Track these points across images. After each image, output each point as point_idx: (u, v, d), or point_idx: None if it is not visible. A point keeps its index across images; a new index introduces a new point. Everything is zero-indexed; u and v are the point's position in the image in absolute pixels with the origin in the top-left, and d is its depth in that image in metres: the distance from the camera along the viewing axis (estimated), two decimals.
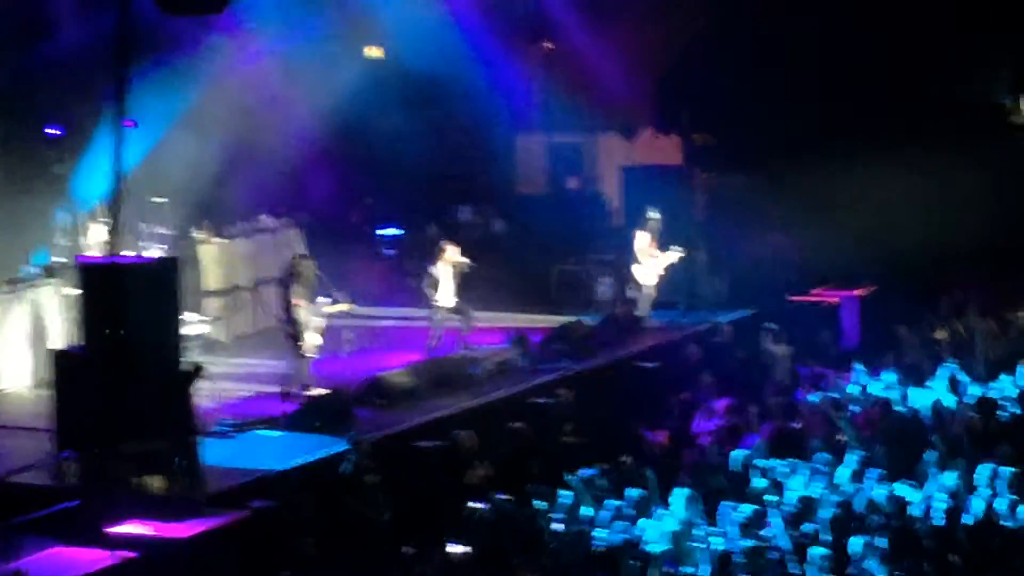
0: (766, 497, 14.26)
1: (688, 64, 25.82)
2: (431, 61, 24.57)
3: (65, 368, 15.35)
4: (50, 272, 19.71)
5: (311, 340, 18.31)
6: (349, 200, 27.25)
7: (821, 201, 25.20)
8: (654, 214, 22.98)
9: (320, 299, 18.49)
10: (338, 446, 16.01)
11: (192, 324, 19.92)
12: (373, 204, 27.68)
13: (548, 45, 27.80)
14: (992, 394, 18.30)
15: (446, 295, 20.28)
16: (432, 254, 20.63)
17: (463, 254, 20.58)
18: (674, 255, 22.88)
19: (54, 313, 19.42)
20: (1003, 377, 19.17)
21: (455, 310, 20.44)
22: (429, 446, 16.82)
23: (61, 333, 19.17)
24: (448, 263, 20.37)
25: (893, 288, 23.78)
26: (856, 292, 24.40)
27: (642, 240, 22.89)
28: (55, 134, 21.70)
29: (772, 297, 23.98)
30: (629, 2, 26.49)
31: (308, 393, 17.83)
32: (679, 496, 14.01)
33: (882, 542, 13.00)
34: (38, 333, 19.18)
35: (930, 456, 15.35)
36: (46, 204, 20.74)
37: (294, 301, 18.22)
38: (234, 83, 22.42)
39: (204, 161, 22.59)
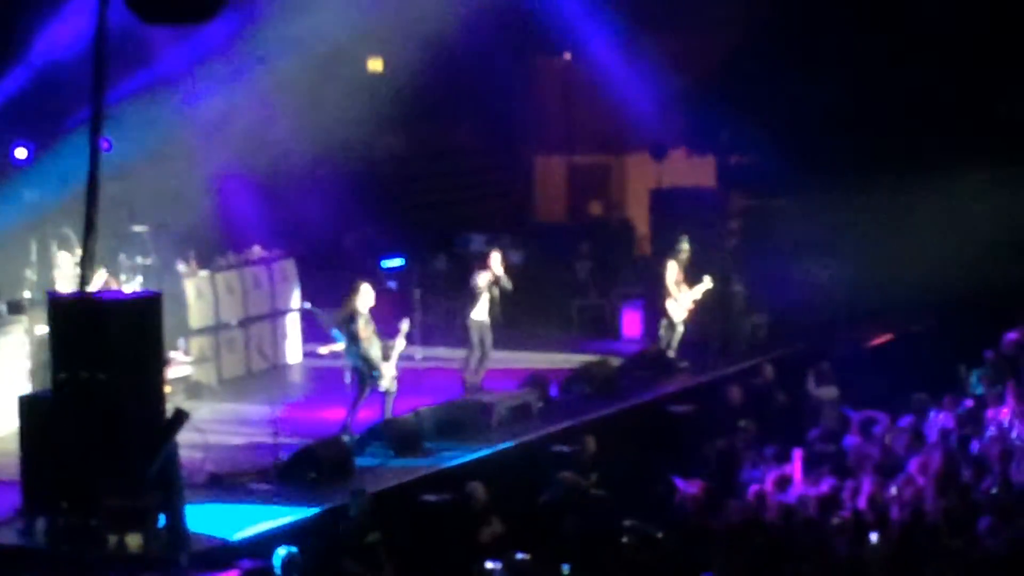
0: None
1: (725, 77, 25.81)
2: (436, 73, 24.62)
3: (34, 415, 15.37)
4: (18, 309, 19.75)
5: (388, 372, 18.51)
6: (345, 228, 27.31)
7: (872, 227, 25.19)
8: (684, 244, 23.02)
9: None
10: (335, 500, 16.01)
11: (176, 365, 20.00)
12: (373, 232, 27.73)
13: (567, 56, 27.84)
14: None
15: (481, 310, 20.44)
16: (478, 267, 20.92)
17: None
18: (704, 286, 22.92)
19: (22, 355, 19.48)
20: None
21: (480, 338, 20.58)
22: (437, 500, 16.82)
23: (30, 377, 19.24)
24: (490, 276, 20.55)
25: (953, 323, 23.71)
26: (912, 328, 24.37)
27: (672, 271, 22.93)
28: (23, 158, 21.80)
29: (818, 335, 23.93)
30: (659, 9, 26.52)
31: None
32: None
33: None
34: (5, 377, 19.23)
35: None
36: (14, 234, 20.82)
37: (362, 334, 18.39)
38: (220, 100, 22.55)
39: (188, 187, 22.75)
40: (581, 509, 16.54)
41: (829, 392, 21.10)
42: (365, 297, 18.64)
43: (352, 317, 18.49)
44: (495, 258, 20.90)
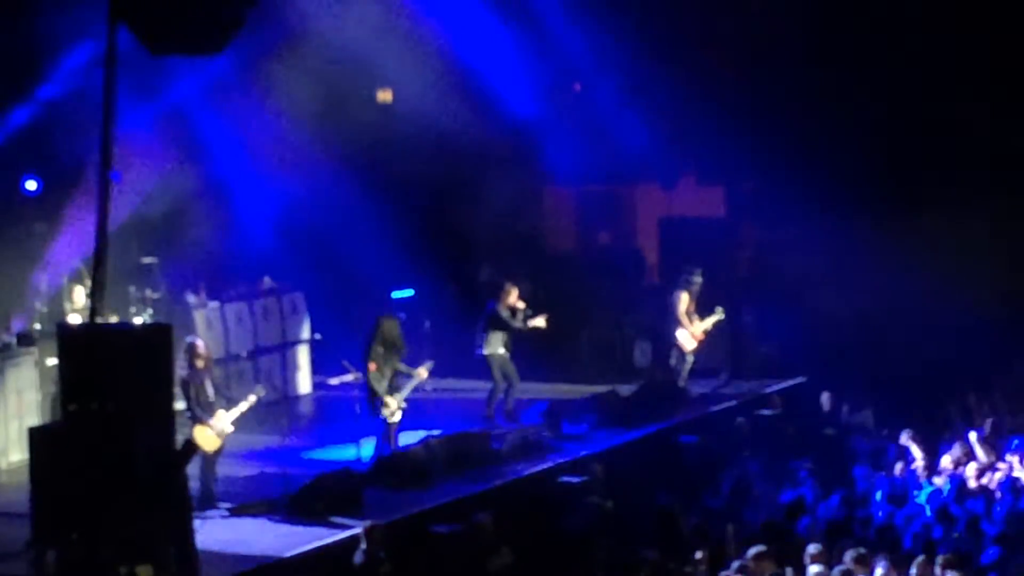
0: None
1: (734, 106, 25.85)
2: (443, 104, 24.72)
3: (44, 446, 15.42)
4: (28, 340, 19.85)
5: (393, 404, 18.71)
6: (353, 258, 27.37)
7: (881, 258, 25.18)
8: (698, 276, 23.04)
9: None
10: (344, 531, 16.08)
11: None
12: (381, 262, 27.79)
13: (577, 86, 27.92)
14: None
15: (495, 343, 20.66)
16: (497, 296, 21.16)
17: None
18: (716, 317, 22.96)
19: (32, 386, 19.56)
20: None
21: (503, 372, 20.65)
22: (446, 531, 16.89)
23: (40, 408, 19.32)
24: (509, 307, 20.70)
25: (963, 352, 23.69)
26: None
27: (683, 302, 22.96)
28: (33, 190, 21.91)
29: (828, 363, 23.96)
30: (669, 38, 26.56)
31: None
32: None
33: None
34: (15, 408, 19.32)
35: None
36: (24, 266, 20.93)
37: (370, 364, 18.65)
38: (228, 127, 22.69)
39: (197, 217, 22.86)
40: (606, 535, 16.62)
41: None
42: (387, 331, 18.81)
43: (370, 349, 18.70)
44: (513, 292, 21.00)
